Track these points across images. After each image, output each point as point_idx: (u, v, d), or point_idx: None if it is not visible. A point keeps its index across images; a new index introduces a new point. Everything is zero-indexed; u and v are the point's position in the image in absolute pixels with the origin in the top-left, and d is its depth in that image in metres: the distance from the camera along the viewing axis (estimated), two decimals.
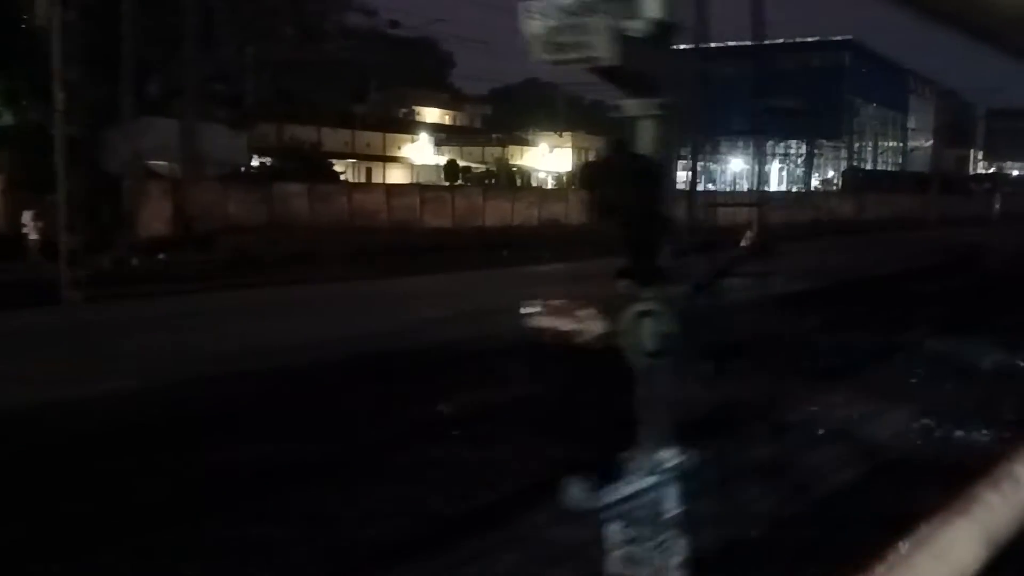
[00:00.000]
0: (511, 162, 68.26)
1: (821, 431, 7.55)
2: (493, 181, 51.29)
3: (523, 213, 34.71)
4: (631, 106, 2.79)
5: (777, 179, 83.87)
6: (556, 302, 2.95)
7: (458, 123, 77.94)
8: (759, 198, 25.88)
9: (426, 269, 20.04)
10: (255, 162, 40.99)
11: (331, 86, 53.06)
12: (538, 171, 71.84)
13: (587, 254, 27.43)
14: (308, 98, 50.30)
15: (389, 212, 30.48)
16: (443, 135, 57.33)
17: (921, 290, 17.08)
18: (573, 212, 36.91)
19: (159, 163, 30.59)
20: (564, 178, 68.34)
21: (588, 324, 2.93)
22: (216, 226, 25.66)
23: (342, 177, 40.40)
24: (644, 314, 2.86)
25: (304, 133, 46.94)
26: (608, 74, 2.59)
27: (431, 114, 74.62)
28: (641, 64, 2.60)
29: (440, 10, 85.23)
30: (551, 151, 74.13)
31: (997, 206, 52.68)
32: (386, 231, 28.67)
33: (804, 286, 15.66)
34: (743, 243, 31.66)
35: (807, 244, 28.26)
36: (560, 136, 67.48)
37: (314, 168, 37.20)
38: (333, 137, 50.40)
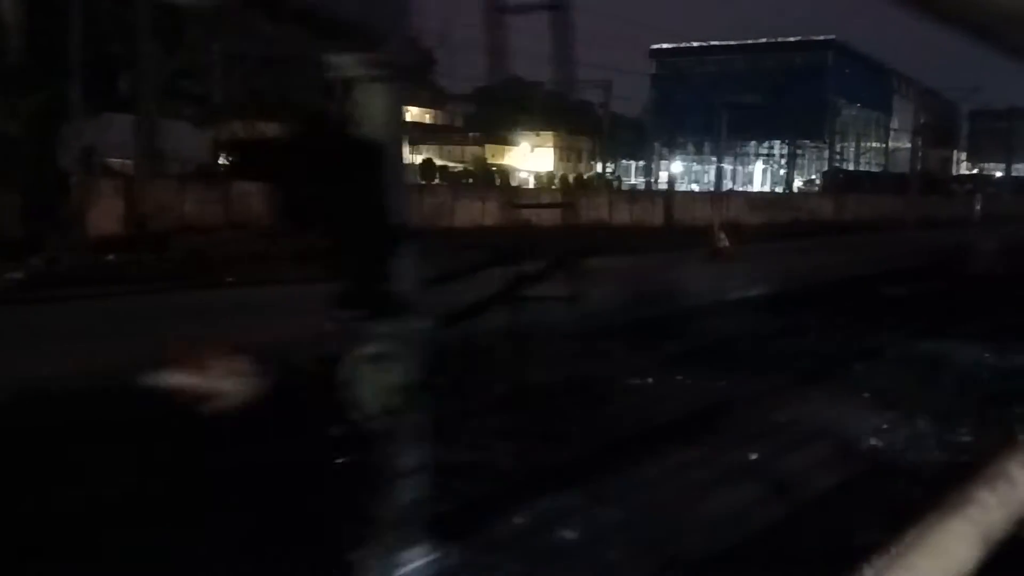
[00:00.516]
0: (492, 161, 67.60)
1: (744, 467, 6.85)
2: (471, 181, 50.53)
3: (495, 213, 33.93)
4: (343, 63, 2.03)
5: (760, 179, 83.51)
6: (193, 354, 2.20)
7: (439, 122, 77.18)
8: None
9: None
10: (224, 161, 40.04)
11: (308, 83, 52.17)
12: (520, 171, 71.24)
13: (718, 244, 26.81)
14: (283, 96, 49.36)
15: None
16: (417, 133, 56.41)
17: (888, 294, 16.43)
18: (546, 212, 36.05)
19: (123, 161, 29.77)
20: (544, 178, 67.75)
21: (222, 382, 2.18)
22: (171, 225, 24.81)
23: None
24: (374, 359, 2.09)
25: (278, 131, 45.95)
26: (283, 16, 1.82)
27: (411, 112, 73.82)
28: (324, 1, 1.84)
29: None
30: (532, 150, 73.65)
31: (978, 207, 52.31)
32: None
33: (762, 291, 14.97)
34: (719, 245, 30.95)
35: (780, 245, 27.60)
36: (537, 136, 66.86)
37: None
38: None
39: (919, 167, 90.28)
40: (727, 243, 29.73)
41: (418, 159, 55.34)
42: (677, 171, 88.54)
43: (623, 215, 39.53)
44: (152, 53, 33.07)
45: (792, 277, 17.06)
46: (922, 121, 55.29)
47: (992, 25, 0.67)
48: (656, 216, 39.92)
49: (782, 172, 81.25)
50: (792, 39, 70.56)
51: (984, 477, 0.77)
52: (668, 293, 13.32)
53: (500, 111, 77.05)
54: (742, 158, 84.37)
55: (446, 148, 61.91)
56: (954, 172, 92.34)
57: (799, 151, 75.18)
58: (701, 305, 12.61)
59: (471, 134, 60.38)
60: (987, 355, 11.01)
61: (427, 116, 77.41)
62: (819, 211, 49.69)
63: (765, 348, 10.52)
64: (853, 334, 11.68)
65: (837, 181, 62.03)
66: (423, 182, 49.15)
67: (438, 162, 56.27)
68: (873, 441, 7.37)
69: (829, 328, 12.13)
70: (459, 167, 54.96)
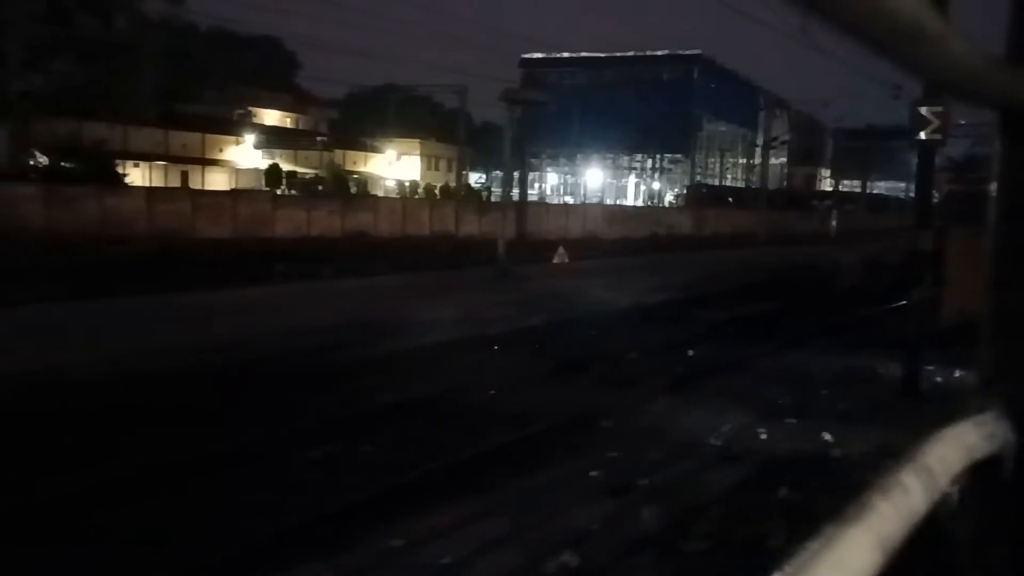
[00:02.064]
0: (354, 169, 64.63)
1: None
2: (320, 188, 47.57)
3: (323, 223, 31.07)
4: None
5: (633, 193, 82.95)
6: None
7: (301, 126, 73.65)
8: None
9: (149, 287, 16.28)
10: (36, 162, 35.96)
11: (144, 82, 48.16)
12: (385, 179, 68.67)
13: (381, 269, 24.40)
14: (115, 94, 45.44)
15: (152, 219, 26.30)
16: (263, 137, 53.00)
17: (705, 319, 14.61)
18: (383, 222, 33.58)
19: None
20: (408, 186, 65.28)
21: None
22: None
23: (126, 179, 35.81)
24: None
25: (106, 132, 42.11)
26: None
27: (271, 116, 70.10)
28: None
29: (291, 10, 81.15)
30: (398, 158, 70.96)
31: (833, 223, 52.61)
32: (144, 241, 24.70)
33: (536, 321, 12.77)
34: (556, 260, 29.26)
35: (610, 263, 25.78)
36: (391, 143, 64.43)
37: (94, 169, 32.60)
38: (141, 136, 45.56)
39: (785, 183, 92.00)
40: (566, 259, 28.01)
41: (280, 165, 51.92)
42: (553, 182, 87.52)
43: (471, 227, 37.38)
44: None
45: (589, 302, 14.90)
46: (775, 136, 55.18)
47: (887, 40, 0.68)
48: (507, 228, 37.87)
49: (656, 186, 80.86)
50: (659, 53, 70.15)
51: (880, 486, 0.75)
52: (405, 325, 11.01)
53: (368, 117, 74.10)
54: (617, 171, 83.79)
55: (303, 154, 58.43)
56: (820, 189, 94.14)
57: (670, 165, 74.93)
58: (424, 345, 10.36)
59: (319, 139, 57.27)
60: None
61: (287, 120, 73.70)
62: (679, 225, 48.81)
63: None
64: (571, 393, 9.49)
65: (700, 196, 61.66)
66: (266, 189, 46.02)
67: (286, 168, 52.95)
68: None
69: (552, 381, 10.01)
70: (311, 173, 51.80)
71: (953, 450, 0.89)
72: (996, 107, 1.03)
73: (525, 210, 38.06)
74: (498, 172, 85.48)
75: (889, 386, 10.30)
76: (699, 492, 6.52)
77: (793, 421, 8.46)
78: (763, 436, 7.96)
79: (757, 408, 8.81)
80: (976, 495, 1.12)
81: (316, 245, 28.55)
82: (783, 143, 57.52)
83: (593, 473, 6.69)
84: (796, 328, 13.86)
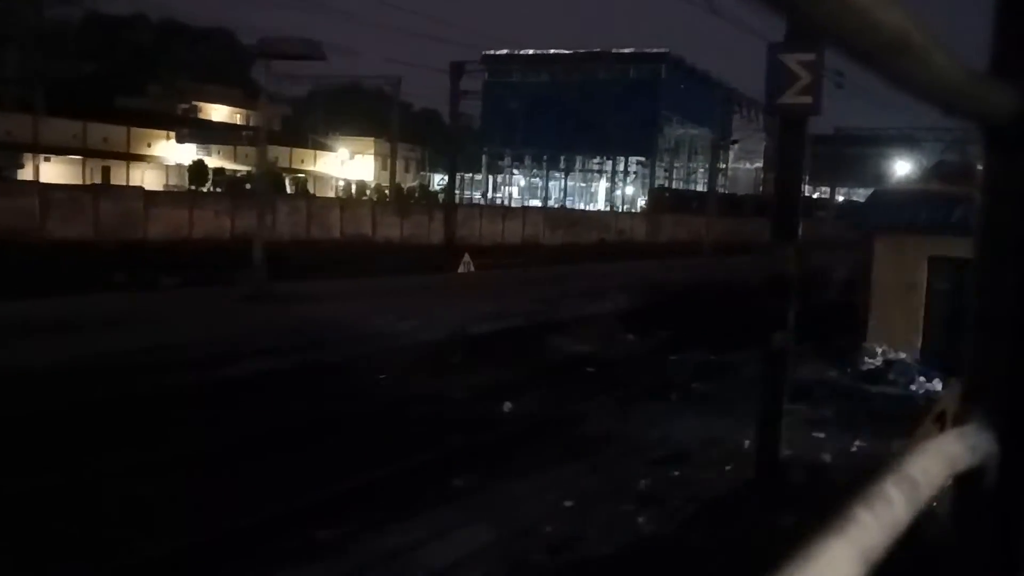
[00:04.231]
0: (302, 167, 61.59)
1: None
2: (248, 186, 44.26)
3: (208, 224, 27.64)
4: None
5: (604, 197, 79.70)
6: None
7: (253, 123, 70.25)
8: None
9: None
10: None
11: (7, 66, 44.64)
12: (337, 179, 65.93)
13: (259, 277, 21.15)
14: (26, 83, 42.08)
15: None
16: (186, 131, 49.56)
17: (535, 362, 11.37)
18: (284, 224, 30.17)
19: None
20: (355, 187, 62.33)
21: None
22: None
23: (19, 173, 32.39)
24: None
25: (6, 122, 38.76)
26: None
27: (219, 111, 66.78)
28: None
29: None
30: (351, 157, 68.01)
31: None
32: None
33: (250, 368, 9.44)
34: (460, 269, 26.01)
35: (514, 274, 22.47)
36: (342, 139, 61.83)
37: None
38: (53, 128, 42.03)
39: (760, 189, 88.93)
40: (471, 268, 24.85)
41: (214, 161, 48.58)
42: (522, 185, 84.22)
43: (391, 230, 34.07)
44: None
45: (343, 337, 11.41)
46: (725, 136, 52.06)
47: (871, 51, 0.68)
48: (435, 233, 34.62)
49: (630, 190, 77.68)
50: (626, 51, 66.96)
51: (864, 498, 0.75)
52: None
53: (328, 115, 70.76)
54: (586, 174, 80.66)
55: (243, 150, 54.96)
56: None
57: (642, 168, 71.88)
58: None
59: (244, 133, 54.00)
60: None
61: (237, 116, 70.17)
62: (631, 231, 45.61)
63: None
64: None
65: (663, 200, 58.49)
66: (193, 187, 42.74)
67: (223, 165, 49.61)
68: None
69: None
70: (242, 171, 48.49)
71: (936, 461, 0.89)
72: (980, 121, 1.03)
73: (454, 213, 34.80)
74: (465, 173, 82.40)
75: (748, 459, 7.14)
76: None
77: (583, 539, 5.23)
78: None
79: (541, 510, 5.58)
80: (959, 506, 1.11)
81: (194, 249, 25.21)
82: (734, 143, 54.47)
83: None
84: (656, 371, 10.61)
